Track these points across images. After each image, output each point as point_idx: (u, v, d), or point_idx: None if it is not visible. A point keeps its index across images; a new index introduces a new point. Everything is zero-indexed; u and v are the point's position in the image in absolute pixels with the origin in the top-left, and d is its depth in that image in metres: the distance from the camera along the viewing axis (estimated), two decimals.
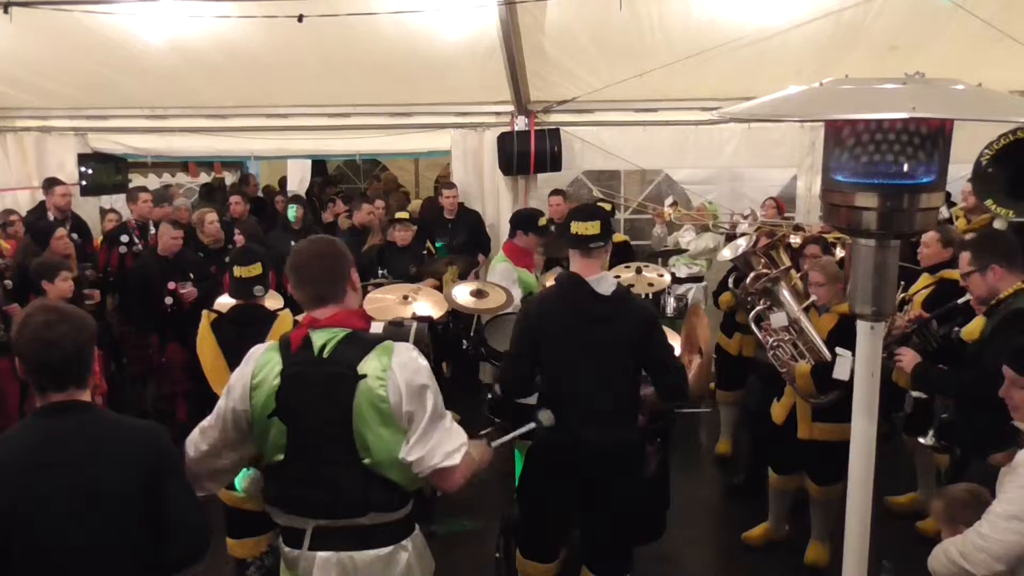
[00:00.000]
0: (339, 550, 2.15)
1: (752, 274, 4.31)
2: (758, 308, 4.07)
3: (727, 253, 6.20)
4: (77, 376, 1.97)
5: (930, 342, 3.71)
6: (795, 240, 5.37)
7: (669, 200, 7.22)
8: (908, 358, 3.37)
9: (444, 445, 2.14)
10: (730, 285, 5.01)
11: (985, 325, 3.26)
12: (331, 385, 2.12)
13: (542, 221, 4.98)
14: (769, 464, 4.13)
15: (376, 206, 7.20)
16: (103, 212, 7.47)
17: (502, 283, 4.69)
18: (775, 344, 3.86)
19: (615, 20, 5.49)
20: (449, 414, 2.22)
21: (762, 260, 4.53)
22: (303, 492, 2.16)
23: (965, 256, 3.30)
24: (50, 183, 6.47)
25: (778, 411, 3.97)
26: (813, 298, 3.85)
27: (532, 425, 2.87)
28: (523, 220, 4.96)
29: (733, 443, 5.29)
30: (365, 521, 2.14)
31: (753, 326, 4.08)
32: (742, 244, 4.78)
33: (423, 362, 2.17)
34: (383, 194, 9.40)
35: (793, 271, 4.34)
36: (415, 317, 4.35)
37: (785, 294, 3.95)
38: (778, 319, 3.86)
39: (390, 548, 2.17)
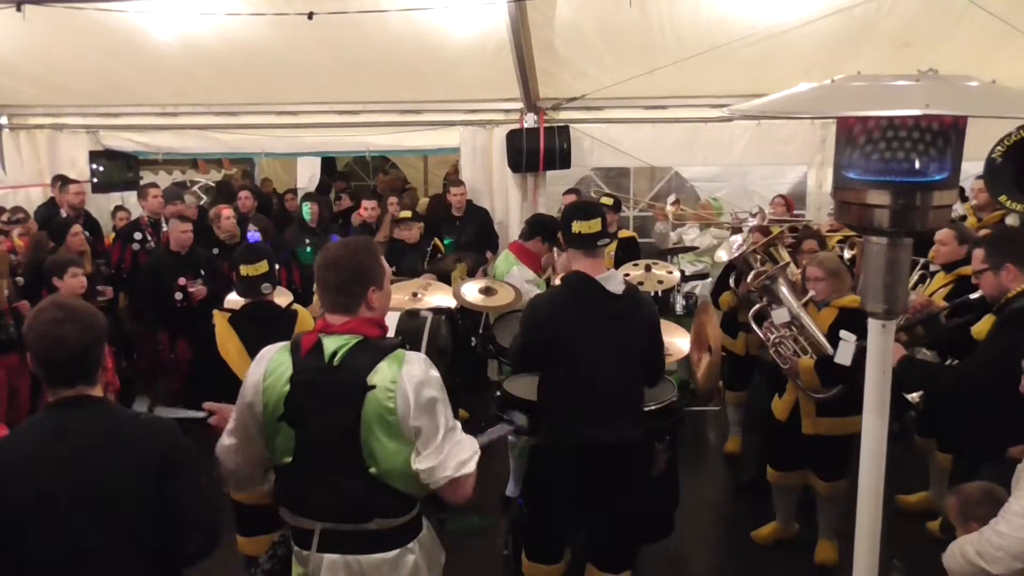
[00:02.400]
0: (346, 553, 2.15)
1: (752, 272, 4.30)
2: (758, 306, 4.07)
3: (722, 254, 6.20)
4: (85, 374, 1.97)
5: (937, 335, 3.69)
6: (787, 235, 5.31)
7: (671, 198, 7.23)
8: (894, 350, 3.33)
9: (457, 455, 2.11)
10: (731, 284, 4.98)
11: (992, 324, 3.24)
12: (339, 394, 2.10)
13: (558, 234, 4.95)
14: (769, 461, 4.13)
15: (390, 202, 7.22)
16: (116, 210, 7.49)
17: (526, 285, 4.64)
18: (777, 341, 3.86)
19: (625, 17, 5.47)
20: (459, 425, 2.19)
21: (758, 257, 4.52)
22: (309, 496, 2.16)
23: (979, 253, 3.26)
24: (62, 181, 6.52)
25: (780, 408, 3.96)
26: (811, 293, 3.85)
27: (511, 427, 2.80)
28: (544, 227, 4.86)
29: (742, 442, 5.28)
30: (371, 526, 2.14)
31: (753, 324, 4.08)
32: (738, 243, 4.77)
33: (434, 374, 2.14)
34: (389, 190, 9.40)
35: (793, 267, 4.33)
36: (432, 309, 4.34)
37: (784, 290, 3.95)
38: (779, 315, 3.85)
39: (396, 552, 2.17)
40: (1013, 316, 3.03)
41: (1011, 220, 4.54)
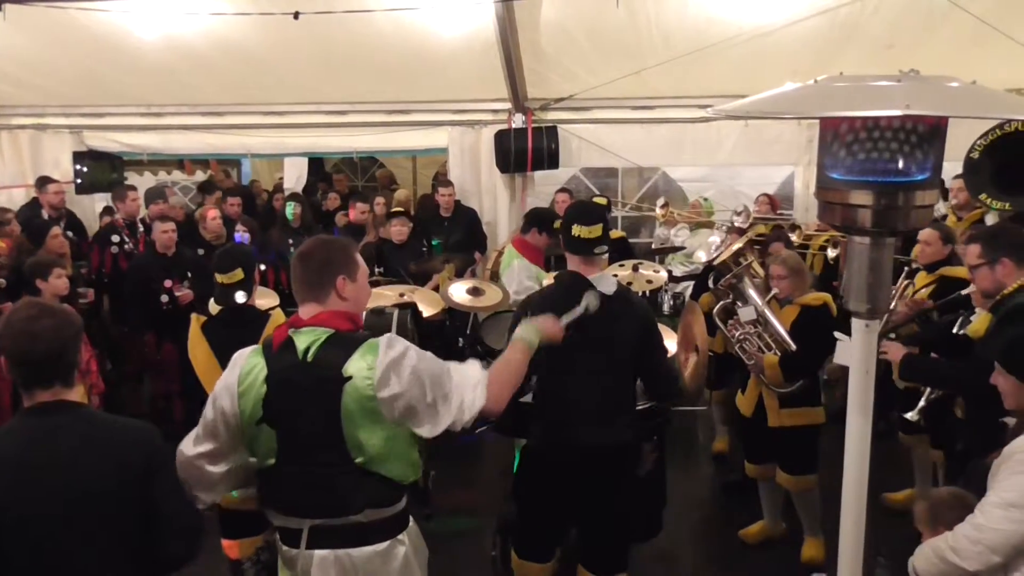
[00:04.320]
0: (336, 548, 2.14)
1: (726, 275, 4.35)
2: (723, 302, 4.13)
3: (702, 254, 6.23)
4: (61, 373, 1.95)
5: (931, 332, 3.73)
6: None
7: (660, 201, 7.24)
8: (894, 350, 3.36)
9: (464, 392, 2.19)
10: (711, 285, 5.01)
11: (990, 321, 3.24)
12: (317, 390, 2.10)
13: (556, 224, 4.98)
14: (744, 455, 4.20)
15: (377, 202, 7.19)
16: (104, 211, 7.40)
17: (525, 281, 4.65)
18: (741, 337, 3.95)
19: (611, 18, 5.49)
20: (450, 366, 2.23)
21: (733, 260, 4.56)
22: (297, 494, 2.15)
23: (975, 249, 3.24)
24: (43, 181, 6.45)
25: (744, 403, 4.06)
26: (775, 291, 3.93)
27: (582, 309, 2.74)
28: (541, 218, 4.95)
29: (729, 441, 5.30)
30: (361, 518, 2.14)
31: (717, 320, 4.14)
32: (716, 243, 4.81)
33: (406, 347, 2.14)
34: (345, 192, 9.29)
35: (759, 267, 4.39)
36: (396, 305, 4.34)
37: (750, 290, 4.03)
38: (746, 313, 3.94)
39: (387, 543, 2.17)
40: (1016, 312, 3.03)
41: (990, 219, 4.58)
